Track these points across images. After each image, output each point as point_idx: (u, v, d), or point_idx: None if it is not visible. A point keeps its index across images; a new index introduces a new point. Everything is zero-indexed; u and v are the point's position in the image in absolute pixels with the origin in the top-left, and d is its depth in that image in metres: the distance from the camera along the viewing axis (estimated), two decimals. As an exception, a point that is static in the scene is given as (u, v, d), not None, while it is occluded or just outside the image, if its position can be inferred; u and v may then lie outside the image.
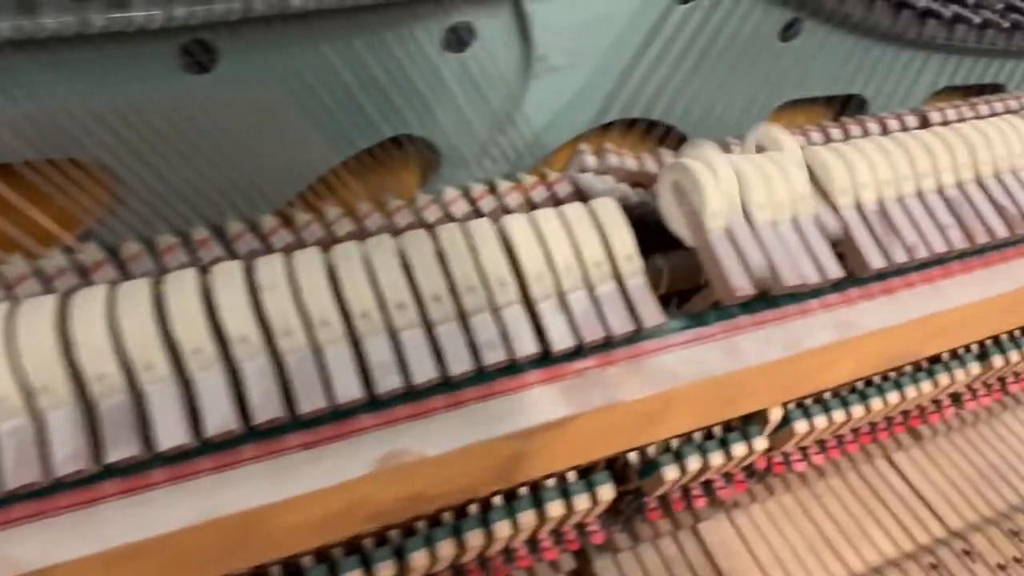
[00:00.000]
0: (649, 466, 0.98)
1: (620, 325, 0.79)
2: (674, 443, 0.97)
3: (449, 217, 0.93)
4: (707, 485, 1.06)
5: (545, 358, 0.78)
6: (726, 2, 0.98)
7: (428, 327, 0.73)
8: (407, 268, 0.74)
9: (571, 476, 0.93)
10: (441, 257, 0.76)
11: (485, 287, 0.76)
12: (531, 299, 0.78)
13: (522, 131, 0.94)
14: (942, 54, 1.22)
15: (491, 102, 0.91)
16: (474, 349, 0.75)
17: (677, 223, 0.88)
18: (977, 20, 1.12)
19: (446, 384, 0.74)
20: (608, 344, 0.82)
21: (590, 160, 0.99)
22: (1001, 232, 0.99)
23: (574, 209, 0.82)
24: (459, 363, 0.73)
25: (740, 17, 1.00)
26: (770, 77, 1.09)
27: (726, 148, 1.09)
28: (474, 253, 0.77)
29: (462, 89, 0.89)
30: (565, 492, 0.92)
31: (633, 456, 0.96)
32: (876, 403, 1.09)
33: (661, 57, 0.98)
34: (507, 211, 0.95)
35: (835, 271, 0.88)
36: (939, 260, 0.99)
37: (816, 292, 0.92)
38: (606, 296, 0.80)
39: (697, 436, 0.99)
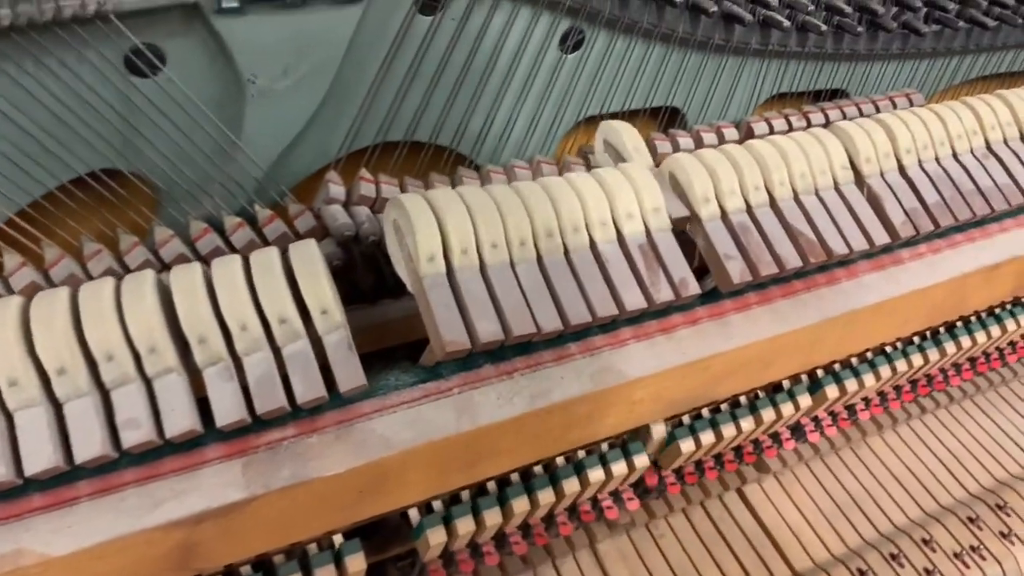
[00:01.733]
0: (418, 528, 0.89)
1: (306, 391, 0.69)
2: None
3: (159, 260, 0.83)
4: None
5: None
6: (481, 10, 0.88)
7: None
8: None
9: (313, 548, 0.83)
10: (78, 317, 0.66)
11: (134, 355, 0.66)
12: (198, 364, 0.68)
13: (250, 160, 0.84)
14: (763, 60, 1.12)
15: (201, 130, 0.80)
16: (113, 428, 0.64)
17: (399, 266, 0.78)
18: (787, 24, 1.02)
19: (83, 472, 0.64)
20: (317, 408, 0.72)
21: (337, 190, 0.89)
22: (791, 262, 0.89)
23: (262, 256, 0.72)
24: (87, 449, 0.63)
25: (502, 27, 0.90)
26: (559, 92, 1.00)
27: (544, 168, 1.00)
28: (120, 313, 0.66)
29: (162, 117, 0.78)
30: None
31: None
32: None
33: (414, 75, 0.88)
34: (227, 250, 0.85)
35: (605, 309, 0.78)
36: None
37: (581, 334, 0.83)
38: (294, 357, 0.70)
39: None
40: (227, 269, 0.70)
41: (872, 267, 0.99)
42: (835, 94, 1.24)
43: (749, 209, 0.91)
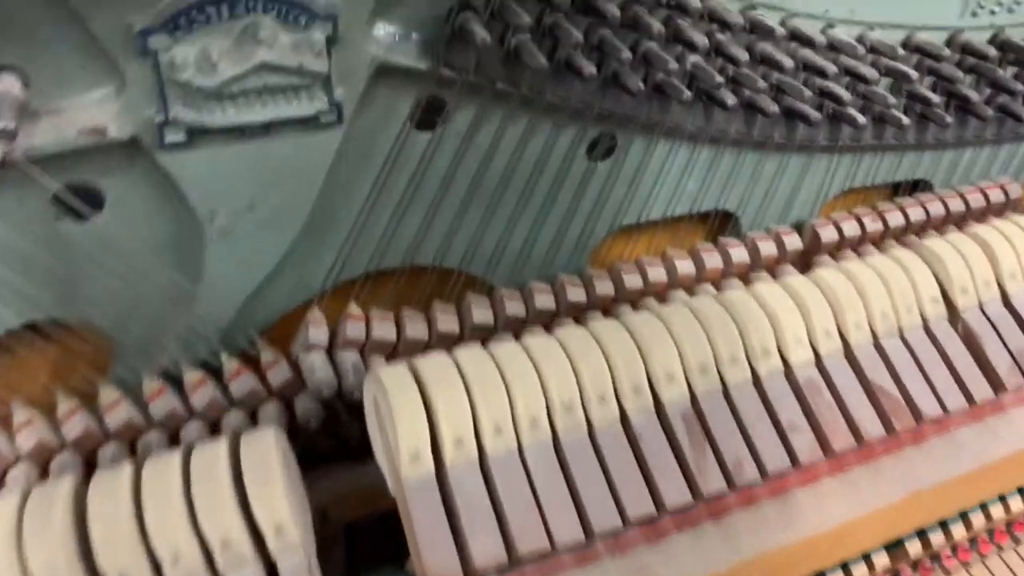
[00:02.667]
0: None
1: (252, 637, 0.54)
2: None
3: (104, 429, 0.70)
4: None
5: None
6: (490, 125, 0.73)
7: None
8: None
9: None
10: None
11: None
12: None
13: (213, 306, 0.70)
14: (831, 155, 0.95)
15: (154, 274, 0.67)
16: None
17: (380, 456, 0.63)
18: (862, 121, 0.85)
19: None
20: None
21: (317, 334, 0.75)
22: (872, 430, 0.72)
23: (205, 457, 0.58)
24: None
25: (518, 140, 0.75)
26: (590, 204, 0.84)
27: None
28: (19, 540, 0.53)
29: (108, 261, 0.65)
30: None
31: None
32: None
33: (412, 195, 0.74)
34: (185, 414, 0.71)
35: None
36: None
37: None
38: (241, 590, 0.55)
39: None
40: (159, 479, 0.56)
41: (968, 418, 0.81)
42: (915, 185, 1.06)
43: (818, 360, 0.74)
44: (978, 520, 0.96)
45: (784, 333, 0.73)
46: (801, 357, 0.73)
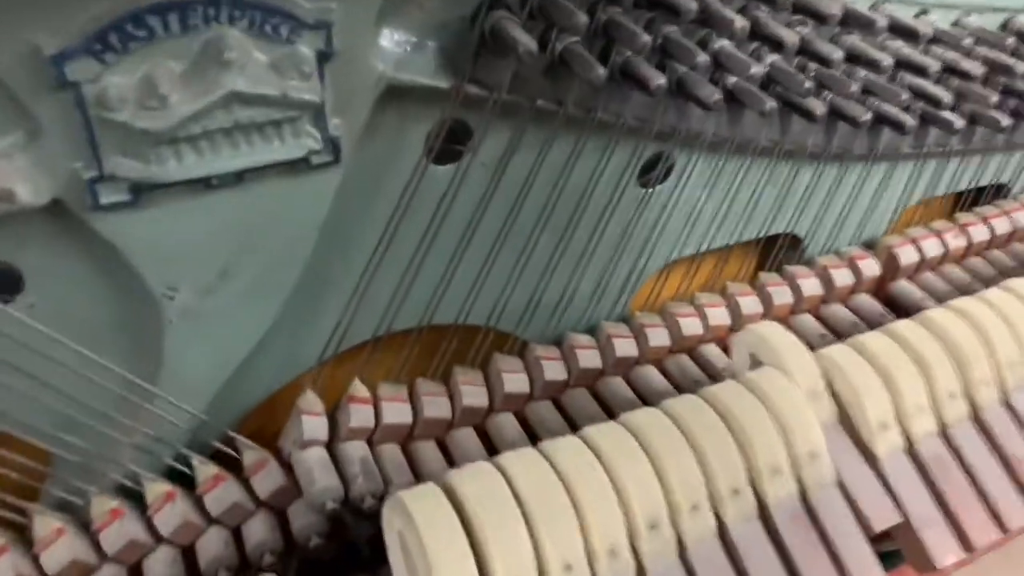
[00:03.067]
0: None
1: None
2: None
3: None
4: None
5: None
6: (529, 150, 0.57)
7: None
8: None
9: None
10: None
11: None
12: None
13: (178, 401, 0.54)
14: (913, 163, 0.81)
15: (95, 371, 0.51)
16: None
17: (412, 607, 0.48)
18: (959, 124, 0.71)
19: None
20: None
21: (314, 426, 0.59)
22: (1016, 518, 0.58)
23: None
24: None
25: (559, 167, 0.60)
26: (640, 237, 0.69)
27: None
28: None
29: (30, 359, 0.48)
30: None
31: None
32: None
33: (429, 245, 0.58)
34: (148, 541, 0.55)
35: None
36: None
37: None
38: None
39: None
40: None
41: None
42: (981, 189, 0.92)
43: (944, 430, 0.60)
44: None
45: (905, 401, 0.58)
46: (924, 428, 0.59)
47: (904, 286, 0.82)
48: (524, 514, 0.47)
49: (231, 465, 0.59)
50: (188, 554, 0.57)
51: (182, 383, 0.54)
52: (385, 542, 0.50)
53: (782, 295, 0.76)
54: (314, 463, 0.58)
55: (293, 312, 0.57)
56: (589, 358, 0.69)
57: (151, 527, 0.56)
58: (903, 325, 0.63)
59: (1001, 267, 0.85)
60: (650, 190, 0.67)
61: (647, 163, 0.65)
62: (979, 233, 0.85)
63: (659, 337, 0.72)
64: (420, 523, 0.44)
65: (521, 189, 0.59)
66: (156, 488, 0.56)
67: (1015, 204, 0.89)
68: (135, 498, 0.56)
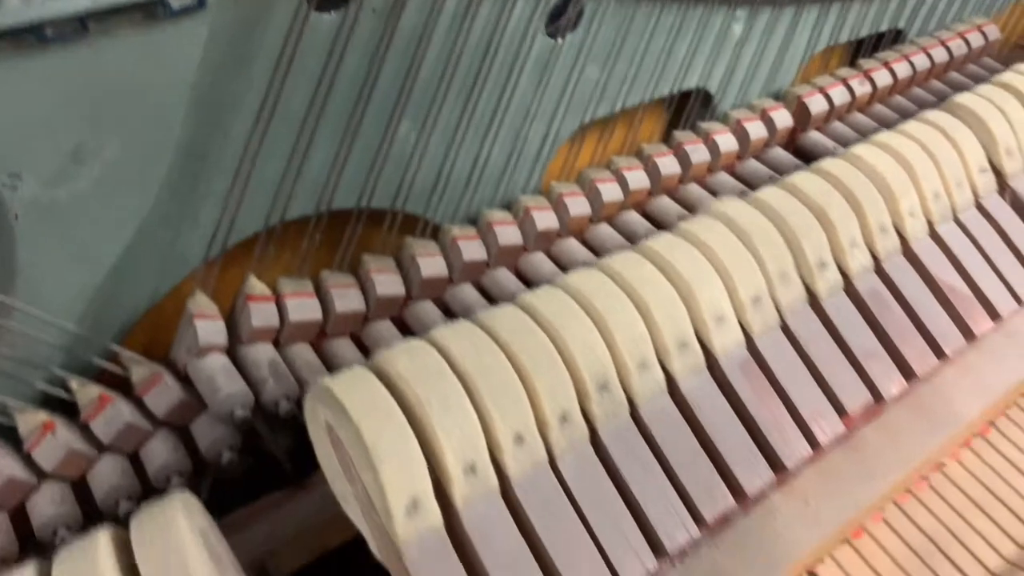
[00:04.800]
0: None
1: None
2: None
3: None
4: None
5: None
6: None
7: None
8: None
9: None
10: None
11: None
12: None
13: (43, 314, 0.46)
14: (820, 6, 0.78)
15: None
16: None
17: (346, 503, 0.43)
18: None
19: None
20: None
21: (209, 330, 0.52)
22: (951, 341, 0.58)
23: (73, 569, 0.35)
24: None
25: (456, 15, 0.53)
26: (552, 96, 0.63)
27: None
28: None
29: None
30: None
31: None
32: None
33: (320, 112, 0.51)
34: (28, 479, 0.47)
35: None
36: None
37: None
38: None
39: None
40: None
41: None
42: (881, 37, 0.90)
43: (878, 265, 0.58)
44: None
45: (839, 237, 0.56)
46: (860, 263, 0.57)
47: (815, 137, 0.80)
48: (466, 389, 0.42)
49: (123, 388, 0.52)
50: (82, 487, 0.50)
51: (43, 293, 0.46)
52: (311, 441, 0.44)
53: (699, 153, 0.73)
54: (216, 370, 0.51)
55: (169, 201, 0.49)
56: (509, 235, 0.64)
57: (31, 463, 0.48)
58: (830, 163, 0.60)
59: (905, 113, 0.84)
60: (560, 40, 0.61)
61: (555, 9, 0.59)
62: (882, 78, 0.84)
63: (579, 206, 0.67)
64: (352, 409, 0.39)
65: (419, 42, 0.52)
66: (30, 419, 0.48)
67: (913, 48, 0.88)
68: (7, 434, 0.48)
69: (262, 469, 0.59)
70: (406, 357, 0.42)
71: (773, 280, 0.53)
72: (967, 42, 0.91)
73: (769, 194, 0.57)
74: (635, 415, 0.47)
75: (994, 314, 0.60)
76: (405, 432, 0.39)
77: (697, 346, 0.50)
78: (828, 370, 0.53)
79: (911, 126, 0.65)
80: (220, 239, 0.53)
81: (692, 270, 0.50)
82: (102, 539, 0.37)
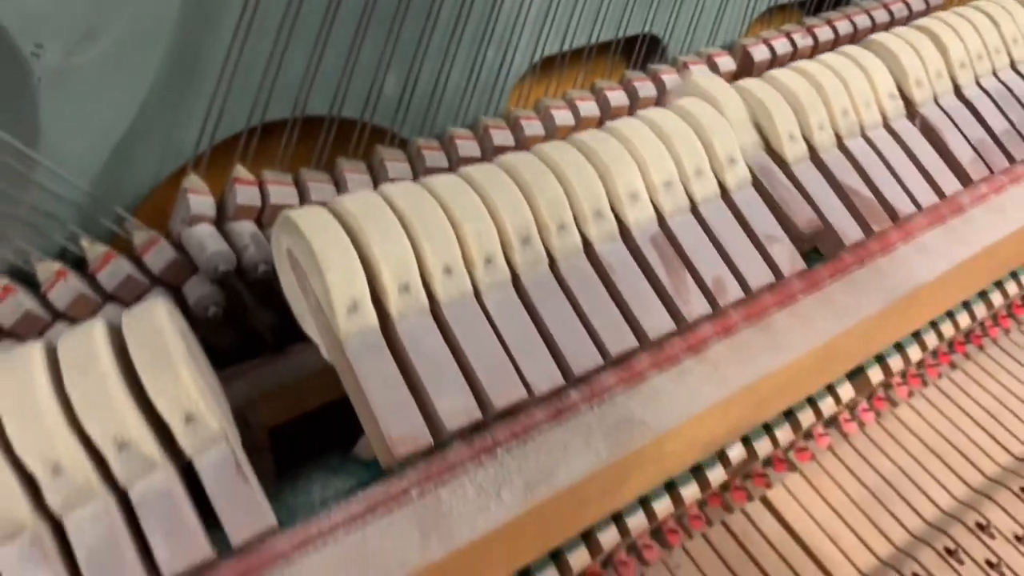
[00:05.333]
0: None
1: (175, 555, 0.42)
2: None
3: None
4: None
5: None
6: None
7: None
8: None
9: None
10: None
11: None
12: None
13: (61, 172, 0.55)
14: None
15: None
16: None
17: (303, 320, 0.51)
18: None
19: None
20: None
21: (201, 203, 0.61)
22: (849, 235, 0.65)
23: (74, 344, 0.44)
24: None
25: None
26: (505, 26, 0.72)
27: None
28: None
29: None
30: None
31: None
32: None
33: (293, 22, 0.60)
34: (44, 316, 0.56)
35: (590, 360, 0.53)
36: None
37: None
38: (148, 501, 0.43)
39: None
40: (14, 380, 0.42)
41: (930, 221, 0.76)
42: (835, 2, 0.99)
43: (786, 167, 0.66)
44: (931, 340, 0.94)
45: (808, 117, 0.65)
46: (826, 139, 0.65)
47: (756, 82, 0.89)
48: (403, 224, 0.50)
49: (123, 250, 0.61)
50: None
51: (62, 153, 0.55)
52: (278, 273, 0.53)
53: (646, 89, 0.82)
54: (204, 235, 0.60)
55: (167, 94, 0.58)
56: (468, 148, 0.73)
57: (46, 303, 0.57)
58: (748, 80, 0.69)
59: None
60: (510, -26, 0.70)
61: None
62: (824, 34, 0.93)
63: (533, 128, 0.76)
64: (307, 231, 0.48)
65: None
66: (47, 267, 0.57)
67: (856, 9, 0.97)
68: (26, 281, 0.58)
69: (245, 348, 0.68)
70: (354, 199, 0.51)
71: (687, 171, 0.62)
72: (909, 6, 0.99)
73: (687, 102, 0.65)
74: (553, 268, 0.56)
75: (894, 215, 0.68)
76: (349, 248, 0.48)
77: (612, 217, 0.58)
78: (733, 249, 0.61)
79: (826, 56, 0.73)
80: (209, 131, 0.62)
81: (610, 154, 0.59)
82: (98, 324, 0.45)
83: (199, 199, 0.61)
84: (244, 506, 0.44)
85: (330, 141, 0.68)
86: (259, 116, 0.64)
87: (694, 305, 0.58)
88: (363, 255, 0.48)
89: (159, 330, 0.44)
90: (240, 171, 0.63)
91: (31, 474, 0.41)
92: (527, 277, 0.54)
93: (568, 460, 0.54)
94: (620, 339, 0.54)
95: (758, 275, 0.60)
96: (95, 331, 0.44)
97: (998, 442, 1.20)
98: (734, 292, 0.59)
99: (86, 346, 0.43)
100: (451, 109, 0.74)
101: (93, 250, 0.58)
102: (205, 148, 0.63)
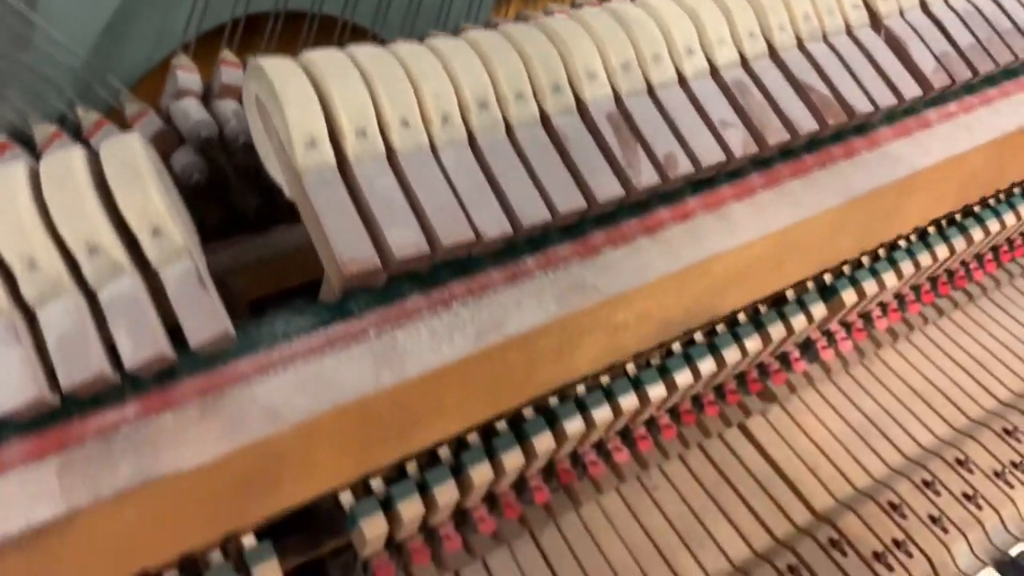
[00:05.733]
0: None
1: (137, 349, 0.46)
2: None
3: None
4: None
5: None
6: None
7: None
8: None
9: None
10: None
11: None
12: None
13: (59, 39, 0.59)
14: None
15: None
16: None
17: (268, 162, 0.55)
18: None
19: None
20: (169, 374, 0.50)
21: (188, 79, 0.65)
22: (805, 125, 0.68)
23: (56, 162, 0.48)
24: None
25: None
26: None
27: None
28: None
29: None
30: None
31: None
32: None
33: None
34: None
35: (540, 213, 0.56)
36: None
37: (539, 242, 0.61)
38: (116, 302, 0.47)
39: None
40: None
41: (895, 133, 0.78)
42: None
43: (745, 63, 0.69)
44: (908, 268, 0.96)
45: (707, 33, 0.67)
46: (727, 58, 0.68)
47: None
48: (365, 78, 0.54)
49: (115, 120, 0.65)
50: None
51: (59, 19, 0.60)
52: (249, 124, 0.57)
53: (624, 6, 0.85)
54: (189, 106, 0.64)
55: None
56: (447, 51, 0.77)
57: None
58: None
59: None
60: None
61: None
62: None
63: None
64: (271, 73, 0.52)
65: None
66: (44, 129, 0.62)
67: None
68: (23, 142, 0.62)
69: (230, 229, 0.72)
70: (320, 52, 0.54)
71: (644, 56, 0.65)
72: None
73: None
74: (510, 134, 0.59)
75: (851, 112, 0.70)
76: (309, 90, 0.52)
77: (570, 92, 0.61)
78: (687, 130, 0.64)
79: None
80: (198, 19, 0.67)
81: (571, 34, 0.62)
82: (77, 148, 0.50)
83: (187, 75, 0.65)
84: (203, 313, 0.47)
85: (312, 38, 0.72)
86: (243, 7, 0.68)
87: (644, 176, 0.61)
88: (323, 98, 0.52)
89: (132, 151, 0.48)
90: (227, 54, 0.68)
91: (8, 268, 0.45)
92: (483, 139, 0.57)
93: (520, 313, 0.58)
94: (570, 199, 0.58)
95: (710, 154, 0.63)
96: (73, 152, 0.49)
97: (984, 387, 1.22)
98: (685, 167, 0.62)
99: (64, 163, 0.48)
100: (433, 13, 0.77)
101: (87, 117, 0.63)
102: (192, 36, 0.67)
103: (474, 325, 0.57)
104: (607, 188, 0.59)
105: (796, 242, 0.71)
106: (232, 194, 0.69)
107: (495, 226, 0.54)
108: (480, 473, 0.69)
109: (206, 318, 0.47)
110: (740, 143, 0.65)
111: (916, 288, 1.07)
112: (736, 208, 0.68)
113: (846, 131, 0.75)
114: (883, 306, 1.03)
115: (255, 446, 0.49)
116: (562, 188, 0.58)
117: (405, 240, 0.51)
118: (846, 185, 0.72)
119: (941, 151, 0.78)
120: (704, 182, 0.68)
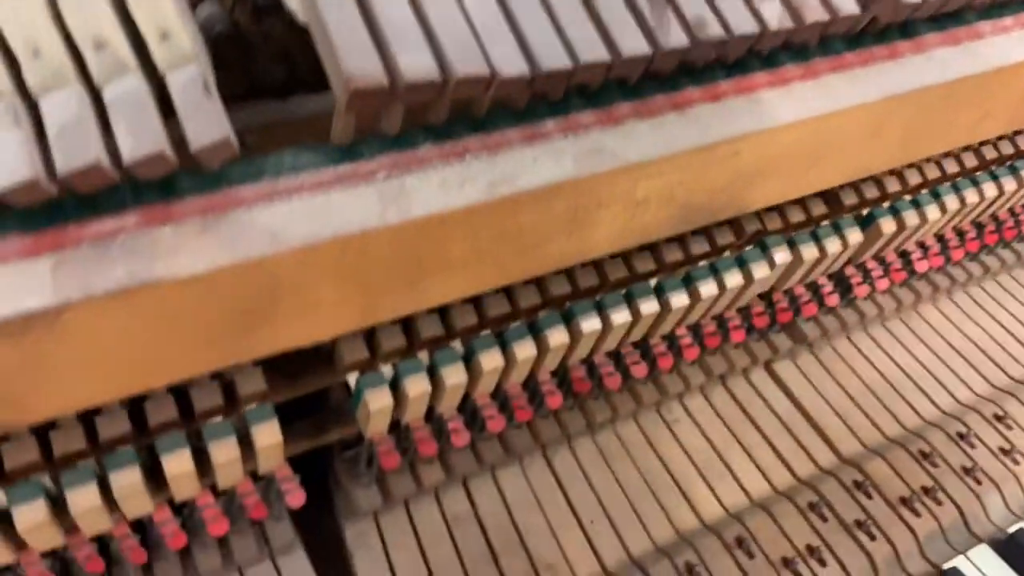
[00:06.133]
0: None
1: (137, 145, 0.45)
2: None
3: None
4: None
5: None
6: None
7: None
8: None
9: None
10: None
11: None
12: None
13: None
14: None
15: None
16: None
17: None
18: None
19: None
20: (172, 190, 0.49)
21: (216, -66, 0.65)
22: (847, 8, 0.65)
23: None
24: None
25: None
26: None
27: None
28: None
29: None
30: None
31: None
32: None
33: None
34: None
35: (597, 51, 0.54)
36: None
37: (560, 107, 0.59)
38: (120, 99, 0.46)
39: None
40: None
41: (944, 40, 0.75)
42: None
43: (785, -57, 0.66)
44: (952, 203, 0.92)
45: None
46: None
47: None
48: None
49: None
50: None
51: None
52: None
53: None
54: (214, -42, 0.64)
55: None
56: None
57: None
58: None
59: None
60: None
61: None
62: None
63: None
64: None
65: None
66: None
67: None
68: None
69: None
70: None
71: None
72: None
73: None
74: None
75: (897, 4, 0.67)
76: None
77: None
78: None
79: None
80: None
81: None
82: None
83: (214, -70, 0.64)
84: (206, 118, 0.46)
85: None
86: None
87: (673, 36, 0.58)
88: None
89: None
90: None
91: (13, 54, 0.45)
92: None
93: (536, 168, 0.56)
94: (593, 49, 0.55)
95: (744, 22, 0.61)
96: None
97: (1029, 349, 1.16)
98: (715, 30, 0.59)
99: (77, -38, 0.47)
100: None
101: None
102: None
103: (486, 177, 0.55)
104: (633, 44, 0.57)
105: (832, 139, 0.68)
106: (257, 60, 0.68)
107: (512, 65, 0.52)
108: (490, 359, 0.67)
109: (209, 123, 0.46)
110: (776, 16, 0.62)
111: (961, 233, 1.02)
112: (770, 94, 0.65)
113: (891, 32, 0.72)
114: (924, 247, 0.99)
115: (253, 266, 0.48)
116: (586, 38, 0.56)
117: (418, 64, 0.49)
118: (888, 82, 0.69)
119: (992, 61, 0.74)
120: (737, 66, 0.65)
